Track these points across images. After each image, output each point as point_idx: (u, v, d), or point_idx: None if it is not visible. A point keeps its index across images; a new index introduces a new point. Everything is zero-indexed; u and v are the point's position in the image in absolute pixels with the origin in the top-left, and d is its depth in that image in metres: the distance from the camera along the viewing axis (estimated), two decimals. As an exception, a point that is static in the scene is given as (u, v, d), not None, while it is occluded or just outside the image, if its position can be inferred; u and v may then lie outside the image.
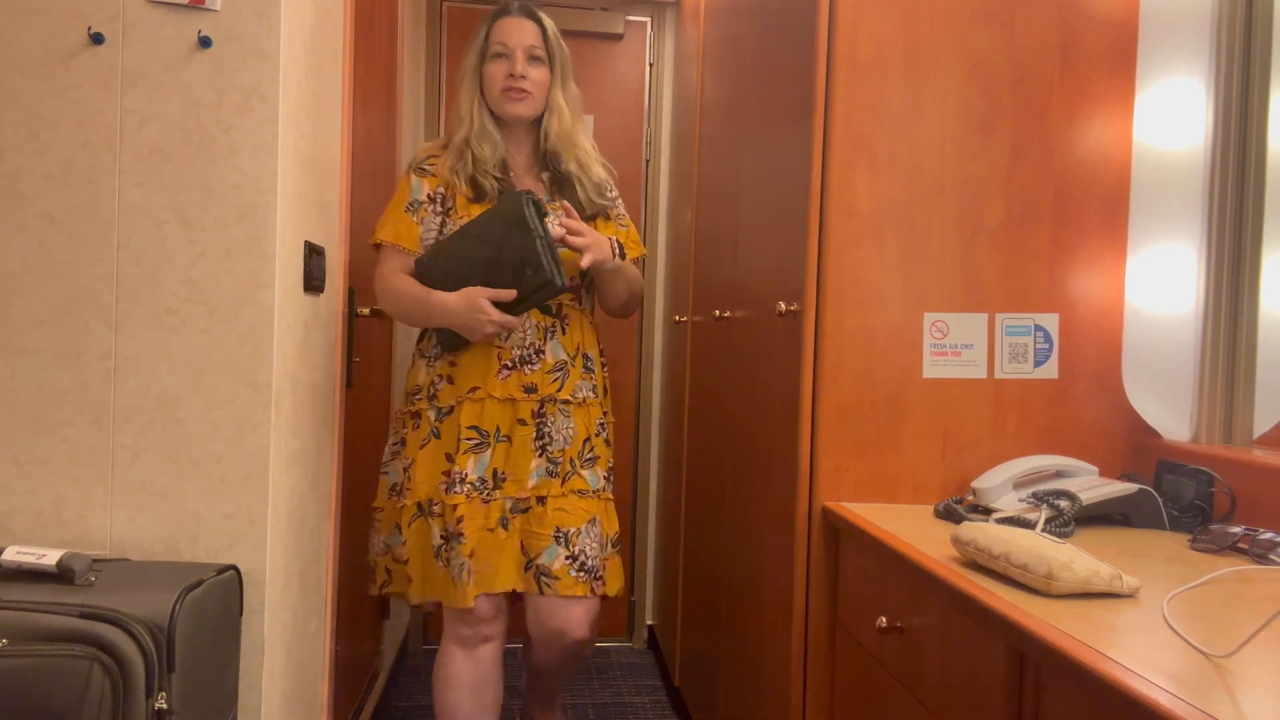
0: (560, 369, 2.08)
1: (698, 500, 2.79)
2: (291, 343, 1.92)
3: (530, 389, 2.06)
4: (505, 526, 2.04)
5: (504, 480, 2.04)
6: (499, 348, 2.06)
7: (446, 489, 2.03)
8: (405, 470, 2.11)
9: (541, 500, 2.05)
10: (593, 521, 2.08)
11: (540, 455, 2.06)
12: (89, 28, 1.77)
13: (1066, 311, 1.78)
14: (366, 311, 2.42)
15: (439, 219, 2.12)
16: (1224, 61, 1.70)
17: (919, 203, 1.75)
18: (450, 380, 2.08)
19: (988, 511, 1.58)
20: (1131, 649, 0.98)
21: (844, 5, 1.72)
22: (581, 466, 2.08)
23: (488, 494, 2.03)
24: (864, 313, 1.74)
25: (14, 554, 1.61)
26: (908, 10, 1.74)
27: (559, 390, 2.08)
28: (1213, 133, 1.71)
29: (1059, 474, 1.68)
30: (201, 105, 1.80)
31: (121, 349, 1.80)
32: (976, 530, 1.31)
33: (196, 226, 1.80)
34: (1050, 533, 1.41)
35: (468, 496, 2.02)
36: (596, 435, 2.13)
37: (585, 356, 2.13)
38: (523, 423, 2.05)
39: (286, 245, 1.86)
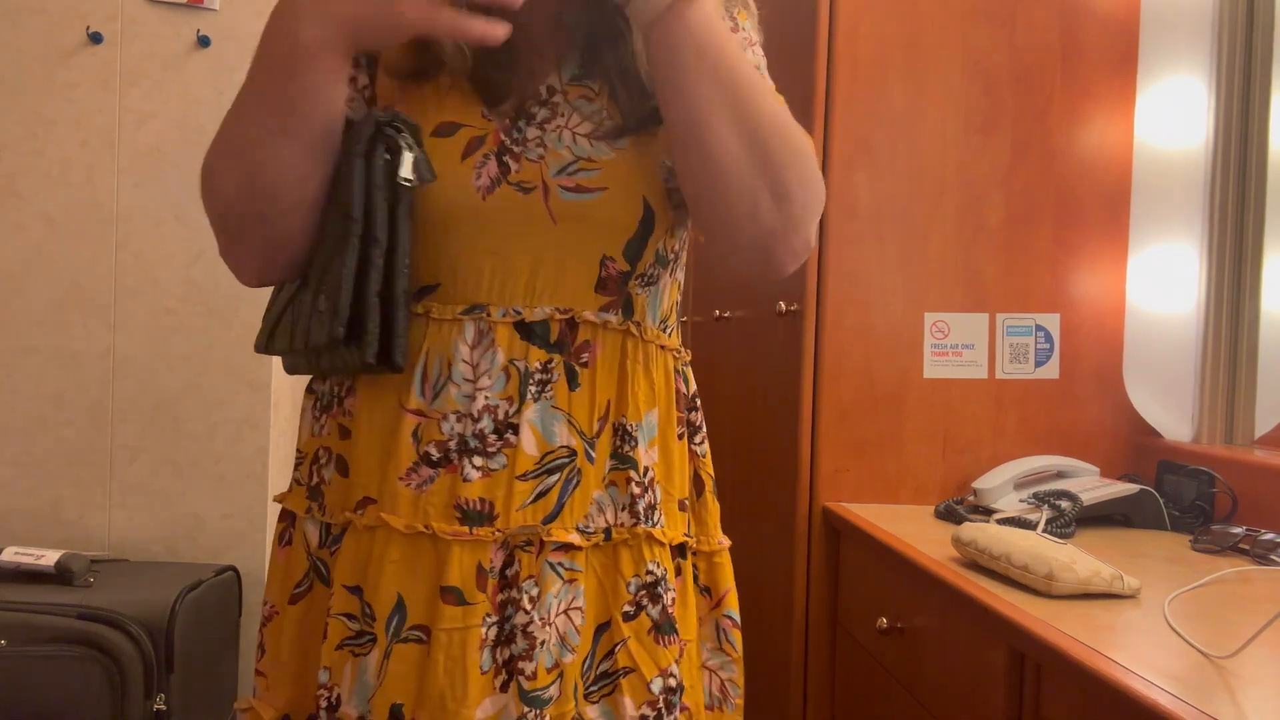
0: (557, 467, 0.86)
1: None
2: (291, 343, 1.92)
3: (477, 514, 0.84)
4: None
5: None
6: (419, 415, 0.86)
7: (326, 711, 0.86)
8: (260, 631, 0.95)
9: None
10: None
11: (505, 686, 0.84)
12: (88, 27, 1.77)
13: (1067, 311, 1.78)
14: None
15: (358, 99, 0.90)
16: (1225, 61, 1.70)
17: (919, 202, 1.75)
18: (343, 466, 0.90)
19: (988, 512, 1.57)
20: (1132, 650, 0.98)
21: (844, 4, 1.72)
22: (587, 696, 0.87)
23: None
24: (864, 313, 1.74)
25: (12, 554, 1.61)
26: (908, 10, 1.74)
27: (550, 520, 0.86)
28: (1214, 132, 1.70)
29: (1060, 474, 1.67)
30: (201, 104, 1.80)
31: (120, 349, 1.80)
32: (977, 531, 1.30)
33: (195, 226, 1.80)
34: (1051, 533, 1.41)
35: None
36: (629, 616, 0.87)
37: (620, 433, 0.90)
38: (455, 598, 0.83)
39: (286, 245, 1.86)
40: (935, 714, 1.30)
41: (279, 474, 1.87)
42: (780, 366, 1.86)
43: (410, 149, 0.81)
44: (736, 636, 0.96)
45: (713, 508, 0.99)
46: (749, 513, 2.06)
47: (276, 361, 1.83)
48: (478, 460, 0.85)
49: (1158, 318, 1.76)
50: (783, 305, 1.78)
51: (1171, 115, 1.75)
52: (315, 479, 0.92)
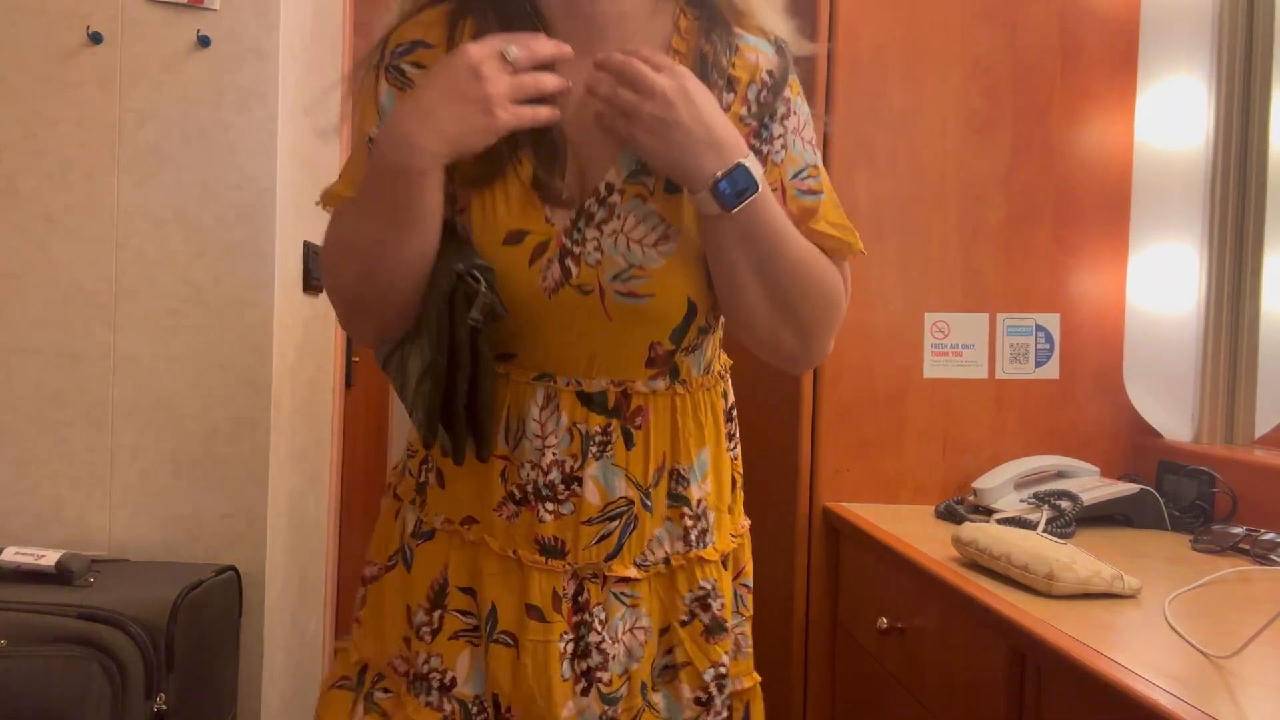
0: (618, 515, 1.01)
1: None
2: (291, 343, 1.92)
3: (551, 548, 1.00)
4: None
5: None
6: (505, 459, 1.01)
7: (413, 684, 1.03)
8: (364, 585, 1.10)
9: None
10: None
11: (585, 689, 1.01)
12: (88, 27, 1.76)
13: (1068, 311, 1.78)
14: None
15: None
16: (1225, 61, 1.70)
17: (920, 202, 1.75)
18: (441, 478, 1.04)
19: (989, 512, 1.57)
20: (1132, 649, 0.98)
21: (844, 5, 1.72)
22: (654, 688, 1.04)
23: None
24: (864, 313, 1.74)
25: (13, 554, 1.61)
26: (908, 10, 1.74)
27: (611, 558, 1.01)
28: (1214, 132, 1.70)
29: (1060, 474, 1.67)
30: (201, 105, 1.79)
31: (121, 349, 1.80)
32: (978, 531, 1.30)
33: (196, 226, 1.80)
34: (1051, 533, 1.41)
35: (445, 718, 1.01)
36: (685, 623, 1.04)
37: (675, 477, 1.04)
38: (536, 614, 1.00)
39: (286, 244, 1.86)
40: (935, 714, 1.30)
41: (279, 474, 1.87)
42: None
43: (483, 296, 0.92)
44: (749, 599, 1.12)
45: (740, 497, 1.13)
46: (749, 512, 2.06)
47: (277, 361, 1.83)
48: (550, 505, 1.00)
49: (1158, 318, 1.76)
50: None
51: (1171, 115, 1.75)
52: (424, 478, 1.05)
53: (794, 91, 1.01)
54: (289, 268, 1.89)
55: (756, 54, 0.99)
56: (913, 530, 1.51)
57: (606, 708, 1.00)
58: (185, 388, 1.80)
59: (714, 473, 1.06)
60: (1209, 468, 1.58)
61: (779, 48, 1.02)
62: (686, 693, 1.04)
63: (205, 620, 1.67)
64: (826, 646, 1.73)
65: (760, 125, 0.98)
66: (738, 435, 1.14)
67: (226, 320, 1.81)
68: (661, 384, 1.02)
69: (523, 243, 0.96)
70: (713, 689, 1.04)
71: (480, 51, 0.88)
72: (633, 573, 1.01)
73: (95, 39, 1.76)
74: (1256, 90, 1.67)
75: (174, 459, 1.80)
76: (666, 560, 1.03)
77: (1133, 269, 1.78)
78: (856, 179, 1.73)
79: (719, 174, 0.90)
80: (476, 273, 0.93)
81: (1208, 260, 1.71)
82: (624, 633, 1.02)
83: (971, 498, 1.65)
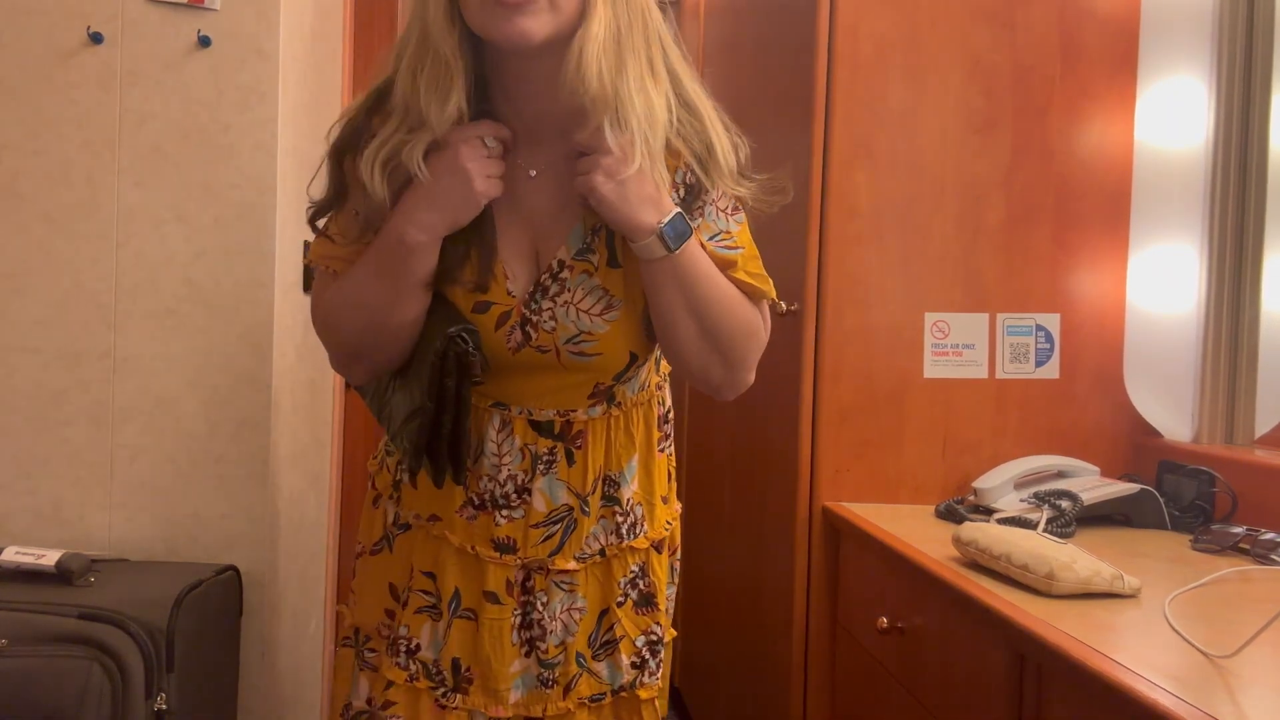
0: (559, 519, 1.22)
1: (698, 500, 2.79)
2: (291, 342, 1.92)
3: (505, 546, 1.21)
4: None
5: (468, 682, 1.22)
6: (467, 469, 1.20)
7: (389, 648, 1.25)
8: (356, 560, 1.35)
9: None
10: None
11: (527, 652, 1.23)
12: (88, 27, 1.76)
13: (1068, 311, 1.78)
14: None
15: None
16: (1225, 60, 1.70)
17: (920, 202, 1.75)
18: (413, 478, 1.25)
19: (989, 512, 1.57)
20: (1133, 649, 0.98)
21: (844, 4, 1.72)
22: (595, 658, 1.25)
23: (445, 693, 1.22)
24: (865, 313, 1.74)
25: (13, 554, 1.61)
26: (908, 9, 1.74)
27: (554, 554, 1.22)
28: (1214, 132, 1.71)
29: (1060, 474, 1.67)
30: (201, 104, 1.79)
31: (121, 349, 1.80)
32: (977, 531, 1.30)
33: (196, 226, 1.80)
34: (1051, 533, 1.41)
35: (411, 678, 1.22)
36: (620, 603, 1.25)
37: (608, 482, 1.24)
38: (493, 599, 1.21)
39: (286, 244, 1.86)
40: (935, 714, 1.30)
41: (279, 474, 1.87)
42: (780, 366, 1.86)
43: (474, 355, 1.10)
44: (678, 567, 1.36)
45: (674, 487, 1.34)
46: (749, 513, 2.06)
47: (277, 361, 1.83)
48: (505, 512, 1.21)
49: (1158, 318, 1.76)
50: (783, 305, 1.78)
51: (1171, 115, 1.75)
52: (399, 475, 1.27)
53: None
54: (289, 268, 1.89)
55: (681, 143, 1.12)
56: (913, 530, 1.51)
57: (543, 670, 1.23)
58: (185, 388, 1.80)
59: (643, 473, 1.26)
60: (1209, 467, 1.59)
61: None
62: (624, 660, 1.25)
63: (205, 620, 1.67)
64: (826, 646, 1.73)
65: (684, 203, 1.13)
66: (672, 435, 1.33)
67: (226, 320, 1.80)
68: (599, 410, 1.21)
69: (489, 312, 1.14)
70: (645, 653, 1.27)
71: (460, 135, 1.07)
72: (572, 565, 1.22)
73: (95, 39, 1.76)
74: (1256, 90, 1.67)
75: (174, 459, 1.80)
76: (602, 551, 1.24)
77: (1133, 269, 1.78)
78: (857, 178, 1.73)
79: (662, 222, 1.07)
80: (465, 334, 1.11)
81: (1208, 260, 1.71)
82: (562, 612, 1.23)
83: (971, 497, 1.65)
